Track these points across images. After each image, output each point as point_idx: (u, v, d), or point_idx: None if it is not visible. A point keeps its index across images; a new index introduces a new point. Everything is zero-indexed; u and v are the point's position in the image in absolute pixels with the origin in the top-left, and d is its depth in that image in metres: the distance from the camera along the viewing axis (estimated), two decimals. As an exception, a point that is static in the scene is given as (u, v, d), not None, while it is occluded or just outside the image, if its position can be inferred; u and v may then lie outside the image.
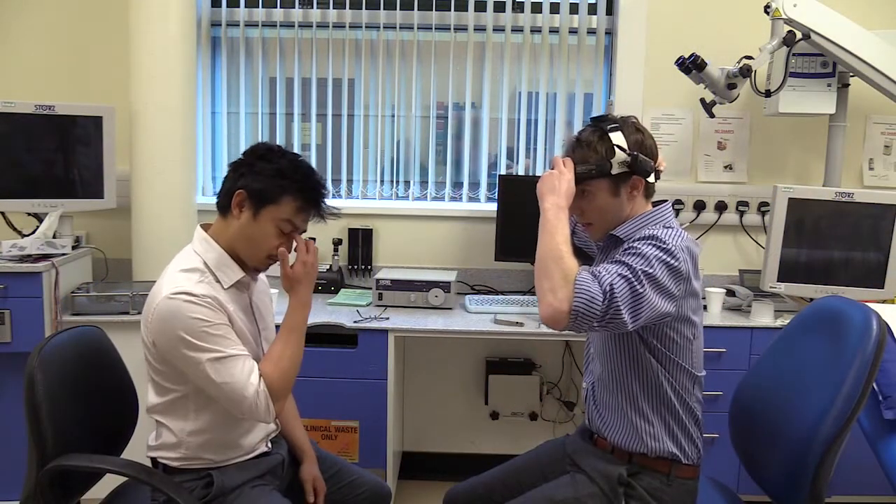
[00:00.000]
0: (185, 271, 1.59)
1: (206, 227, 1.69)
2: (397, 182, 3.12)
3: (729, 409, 1.88)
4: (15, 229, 2.62)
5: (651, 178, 1.62)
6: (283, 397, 1.59)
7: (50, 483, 1.56)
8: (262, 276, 1.80)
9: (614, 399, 1.66)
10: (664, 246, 1.50)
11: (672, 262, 1.49)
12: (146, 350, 1.60)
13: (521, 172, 3.09)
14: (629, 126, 1.61)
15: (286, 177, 1.61)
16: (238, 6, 3.02)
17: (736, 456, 1.85)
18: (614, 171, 1.58)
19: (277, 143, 3.05)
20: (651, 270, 1.47)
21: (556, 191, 1.56)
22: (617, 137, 1.58)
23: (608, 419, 1.68)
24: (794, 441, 1.57)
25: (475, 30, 3.03)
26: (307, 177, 1.63)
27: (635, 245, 1.51)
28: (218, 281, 1.62)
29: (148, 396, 1.67)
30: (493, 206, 2.93)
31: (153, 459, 1.68)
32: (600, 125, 1.61)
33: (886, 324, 1.55)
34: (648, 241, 1.51)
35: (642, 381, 1.61)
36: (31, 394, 1.54)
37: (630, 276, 1.46)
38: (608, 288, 1.44)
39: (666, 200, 1.68)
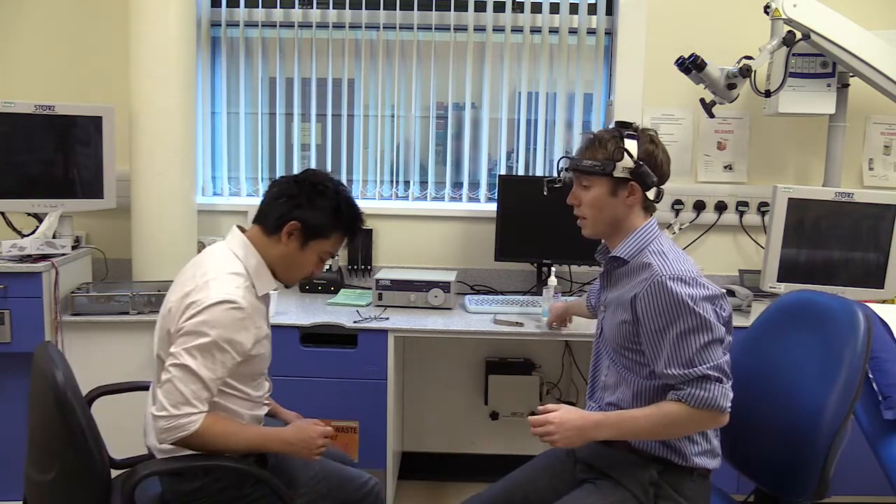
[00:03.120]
0: (233, 275, 1.63)
1: (240, 229, 1.74)
2: (397, 182, 3.12)
3: None
4: (15, 229, 2.61)
5: (651, 194, 1.65)
6: (187, 442, 1.57)
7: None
8: None
9: None
10: (700, 292, 1.53)
11: (712, 305, 1.54)
12: (169, 339, 1.60)
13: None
14: (645, 137, 1.65)
15: (342, 215, 1.70)
16: (238, 6, 3.02)
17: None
18: (617, 173, 1.62)
19: (277, 143, 3.08)
20: (714, 335, 1.52)
21: (584, 424, 1.57)
22: (630, 144, 1.62)
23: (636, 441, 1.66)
24: (795, 435, 1.61)
25: (475, 30, 3.03)
26: (357, 215, 1.75)
27: (686, 318, 1.52)
28: (253, 287, 1.67)
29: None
30: (493, 207, 2.93)
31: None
32: (620, 129, 1.65)
33: (871, 310, 1.61)
34: (690, 301, 1.51)
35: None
36: (71, 413, 1.46)
37: (696, 352, 1.51)
38: (703, 372, 1.49)
39: (654, 218, 1.71)
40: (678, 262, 1.57)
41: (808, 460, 1.58)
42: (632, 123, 1.67)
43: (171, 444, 1.55)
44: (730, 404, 1.52)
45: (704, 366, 1.50)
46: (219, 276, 1.61)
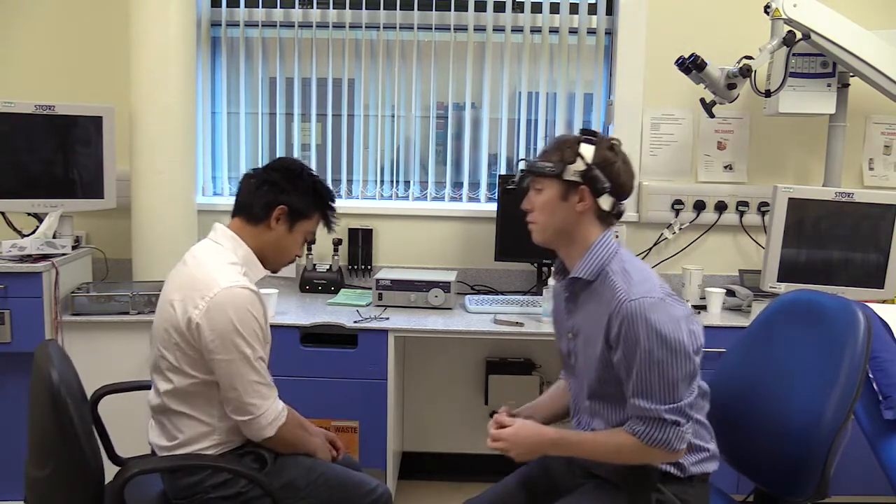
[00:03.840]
0: (231, 265, 1.69)
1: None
2: (397, 182, 3.12)
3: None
4: (15, 229, 2.62)
5: (606, 205, 1.57)
6: (278, 438, 1.69)
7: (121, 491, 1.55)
8: None
9: None
10: (670, 315, 1.47)
11: (686, 324, 1.48)
12: (176, 333, 1.63)
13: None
14: (604, 143, 1.59)
15: (319, 195, 1.80)
16: (238, 6, 3.02)
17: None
18: (567, 176, 1.57)
19: (277, 143, 3.09)
20: (680, 369, 1.46)
21: (540, 441, 1.57)
22: (586, 148, 1.57)
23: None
24: (795, 435, 1.61)
25: (475, 30, 3.03)
26: (331, 194, 1.84)
27: (654, 347, 1.46)
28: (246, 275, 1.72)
29: (162, 385, 1.68)
30: (493, 206, 2.93)
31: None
32: (581, 135, 1.62)
33: (871, 310, 1.61)
34: (660, 328, 1.45)
35: None
36: (64, 411, 1.48)
37: (662, 388, 1.47)
38: (661, 414, 1.46)
39: (610, 231, 1.64)
40: (643, 283, 1.51)
41: (808, 461, 1.58)
42: (596, 132, 1.64)
43: (273, 435, 1.67)
44: (684, 445, 1.50)
45: (664, 406, 1.46)
46: (220, 267, 1.67)
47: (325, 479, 1.78)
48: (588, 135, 1.61)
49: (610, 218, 1.61)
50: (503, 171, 3.09)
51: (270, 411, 1.66)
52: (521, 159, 1.71)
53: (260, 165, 1.86)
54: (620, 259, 1.57)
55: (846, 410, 1.55)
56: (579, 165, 1.56)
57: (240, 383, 1.61)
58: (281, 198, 1.74)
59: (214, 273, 1.64)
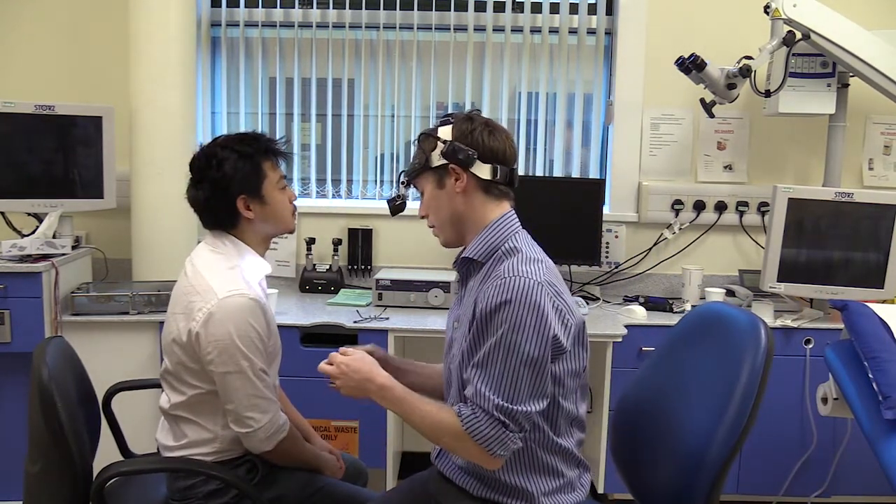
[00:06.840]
0: (232, 269, 1.64)
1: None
2: (398, 182, 3.12)
3: (611, 423, 1.78)
4: (15, 229, 2.62)
5: (485, 174, 1.48)
6: (277, 452, 1.67)
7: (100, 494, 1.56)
8: None
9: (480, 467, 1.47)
10: (528, 317, 1.34)
11: (538, 335, 1.35)
12: (178, 347, 1.61)
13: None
14: (461, 118, 1.51)
15: (249, 153, 1.68)
16: (238, 6, 3.02)
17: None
18: (434, 163, 1.49)
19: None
20: (519, 369, 1.33)
21: (370, 378, 1.45)
22: (443, 131, 1.49)
23: (472, 483, 1.51)
24: (684, 457, 1.46)
25: (475, 30, 3.03)
26: (255, 139, 1.72)
27: (498, 337, 1.35)
28: (246, 277, 1.68)
29: (170, 395, 1.68)
30: (493, 206, 2.92)
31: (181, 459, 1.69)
32: (439, 122, 1.55)
33: (771, 331, 1.45)
34: (507, 323, 1.34)
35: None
36: (52, 409, 1.49)
37: (503, 377, 1.34)
38: (492, 408, 1.33)
39: (510, 210, 1.55)
40: (530, 263, 1.41)
41: (694, 486, 1.41)
42: (454, 113, 1.54)
43: (272, 448, 1.65)
44: (504, 453, 1.35)
45: (498, 400, 1.34)
46: (218, 275, 1.63)
47: (322, 495, 1.75)
48: (446, 117, 1.54)
49: (497, 187, 1.51)
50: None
51: (269, 425, 1.63)
52: (402, 171, 1.66)
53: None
54: (515, 239, 1.49)
55: (736, 438, 1.37)
56: (440, 147, 1.48)
57: (236, 397, 1.58)
58: (231, 192, 1.65)
59: (212, 282, 1.60)
